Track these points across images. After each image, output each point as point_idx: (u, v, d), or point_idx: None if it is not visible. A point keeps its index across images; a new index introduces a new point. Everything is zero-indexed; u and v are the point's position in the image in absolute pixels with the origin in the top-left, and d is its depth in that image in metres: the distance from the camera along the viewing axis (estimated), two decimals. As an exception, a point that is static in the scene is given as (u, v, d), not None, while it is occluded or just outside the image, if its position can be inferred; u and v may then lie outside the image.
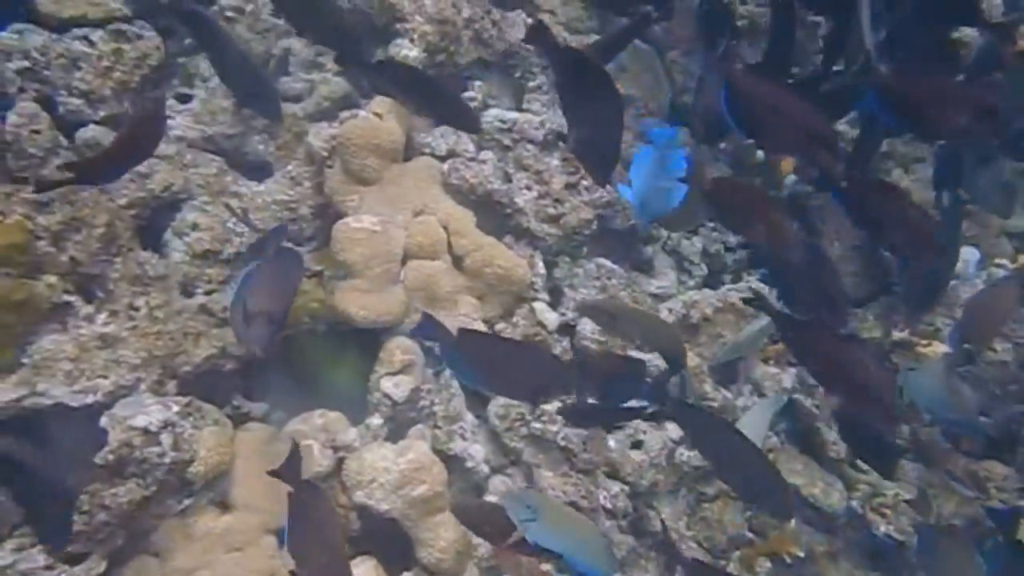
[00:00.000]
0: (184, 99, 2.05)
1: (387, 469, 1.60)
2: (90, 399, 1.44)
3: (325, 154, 1.95)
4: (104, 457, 1.34)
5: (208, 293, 1.82)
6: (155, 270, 1.70)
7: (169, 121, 2.00)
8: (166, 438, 1.41)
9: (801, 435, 2.45)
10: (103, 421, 1.39)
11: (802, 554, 2.10)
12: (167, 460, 1.40)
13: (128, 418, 1.39)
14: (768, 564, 2.06)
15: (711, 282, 2.49)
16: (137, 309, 1.62)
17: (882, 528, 2.21)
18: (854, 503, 2.31)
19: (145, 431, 1.39)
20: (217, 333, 1.76)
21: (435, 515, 1.63)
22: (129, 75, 1.86)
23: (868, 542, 2.26)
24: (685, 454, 2.18)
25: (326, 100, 2.25)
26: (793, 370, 2.48)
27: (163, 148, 1.91)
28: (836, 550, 2.22)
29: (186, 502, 1.50)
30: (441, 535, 1.62)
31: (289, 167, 2.10)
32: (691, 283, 2.47)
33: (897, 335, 2.46)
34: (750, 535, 2.19)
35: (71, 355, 1.47)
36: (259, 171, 2.13)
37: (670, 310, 2.29)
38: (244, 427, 1.71)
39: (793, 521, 2.22)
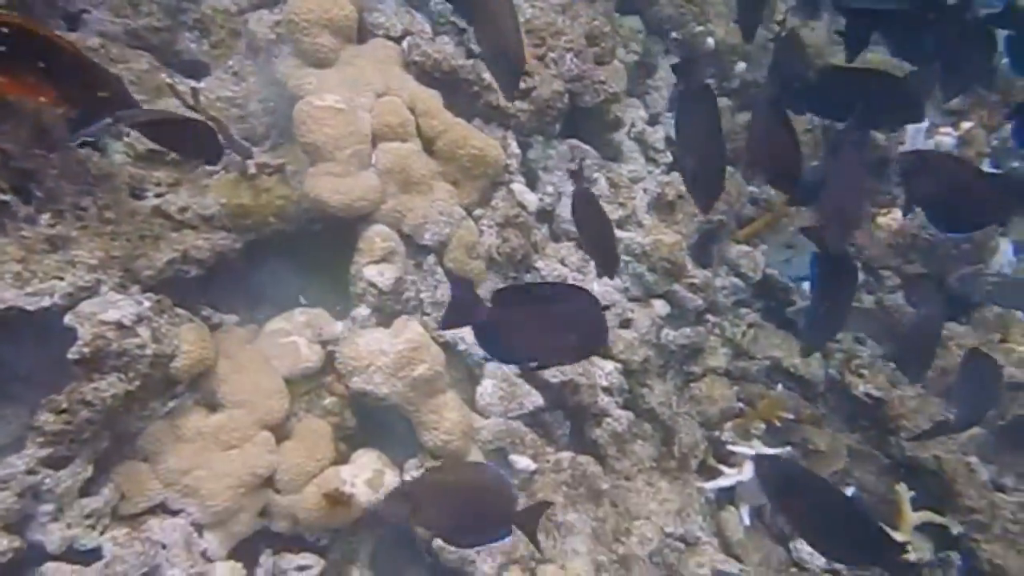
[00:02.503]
0: (101, -10, 1.83)
1: (383, 352, 1.51)
2: (47, 302, 1.29)
3: (273, 37, 1.78)
4: (79, 351, 1.20)
5: (159, 196, 1.65)
6: (98, 168, 1.53)
7: (85, 15, 1.80)
8: (144, 331, 1.28)
9: (777, 311, 2.49)
10: (67, 319, 1.25)
11: (791, 417, 2.15)
12: (148, 352, 1.27)
13: (97, 314, 1.25)
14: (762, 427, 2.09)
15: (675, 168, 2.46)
16: (84, 209, 1.46)
17: (861, 388, 2.27)
18: (832, 371, 2.38)
19: (119, 325, 1.25)
20: (177, 237, 1.61)
21: (437, 396, 1.57)
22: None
23: (848, 405, 2.33)
24: (671, 334, 2.19)
25: (260, -9, 2.08)
26: (765, 247, 2.52)
27: (86, 41, 1.72)
28: (820, 415, 2.27)
29: (171, 404, 1.38)
30: (445, 416, 1.56)
31: (230, 63, 1.93)
32: (657, 171, 2.45)
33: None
34: (739, 406, 2.22)
35: (16, 257, 1.31)
36: (194, 71, 1.95)
37: (645, 190, 2.26)
38: (222, 328, 1.58)
39: (780, 387, 2.27)
